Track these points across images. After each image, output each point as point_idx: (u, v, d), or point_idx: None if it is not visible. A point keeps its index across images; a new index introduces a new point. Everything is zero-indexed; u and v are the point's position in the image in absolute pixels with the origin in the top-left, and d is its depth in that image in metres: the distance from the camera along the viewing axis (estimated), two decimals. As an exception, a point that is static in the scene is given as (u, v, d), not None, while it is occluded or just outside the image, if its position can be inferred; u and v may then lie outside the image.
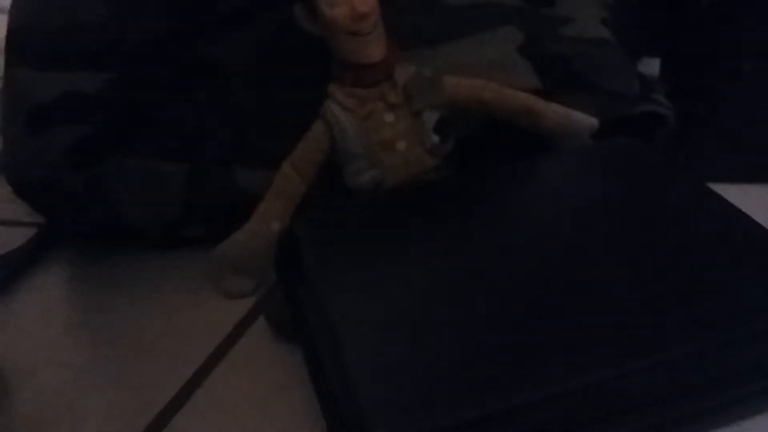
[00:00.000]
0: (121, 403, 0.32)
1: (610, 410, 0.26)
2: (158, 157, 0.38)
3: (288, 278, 0.34)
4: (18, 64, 0.37)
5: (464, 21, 0.39)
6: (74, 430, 0.31)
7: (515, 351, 0.26)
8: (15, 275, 0.40)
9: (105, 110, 0.37)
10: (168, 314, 0.37)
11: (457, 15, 0.39)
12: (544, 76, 0.39)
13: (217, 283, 0.38)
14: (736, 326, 0.27)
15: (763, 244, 0.30)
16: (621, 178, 0.35)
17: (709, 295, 0.27)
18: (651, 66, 0.48)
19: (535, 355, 0.26)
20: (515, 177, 0.36)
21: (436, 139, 0.37)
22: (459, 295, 0.29)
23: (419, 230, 0.33)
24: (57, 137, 0.37)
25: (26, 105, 0.37)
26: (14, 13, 0.38)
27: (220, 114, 0.38)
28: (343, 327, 0.29)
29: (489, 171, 0.36)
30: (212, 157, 0.38)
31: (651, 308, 0.27)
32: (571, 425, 0.26)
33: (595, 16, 0.41)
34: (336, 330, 0.29)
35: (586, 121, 0.38)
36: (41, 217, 0.41)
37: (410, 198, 0.35)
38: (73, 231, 0.42)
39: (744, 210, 0.32)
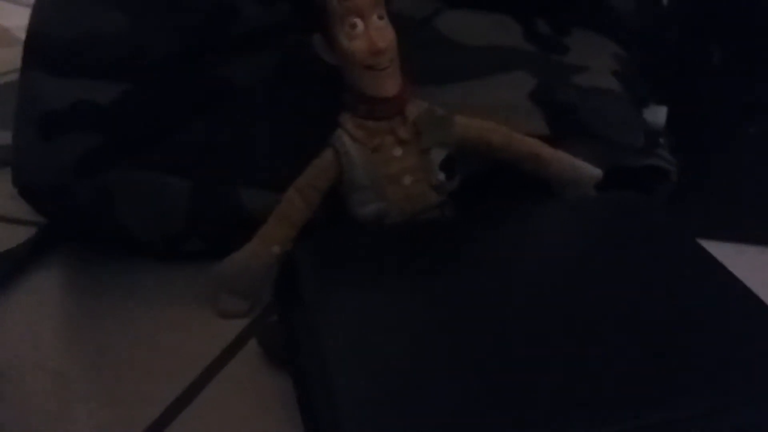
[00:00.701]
0: (108, 415, 0.32)
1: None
2: (165, 172, 0.38)
3: (284, 303, 0.34)
4: (35, 67, 0.38)
5: (478, 63, 0.40)
6: (60, 441, 0.31)
7: (498, 401, 0.27)
8: (11, 274, 0.40)
9: (117, 121, 0.37)
10: (162, 328, 0.37)
11: (472, 56, 0.40)
12: (553, 123, 0.39)
13: (213, 301, 0.38)
14: (710, 399, 0.27)
15: (751, 311, 0.30)
16: (618, 233, 0.35)
17: (688, 364, 0.28)
18: (658, 113, 0.49)
19: (516, 405, 0.26)
20: (515, 222, 0.36)
21: (442, 176, 0.37)
22: (452, 336, 0.29)
23: (418, 267, 0.33)
24: (68, 144, 0.37)
25: (40, 110, 0.37)
26: (36, 16, 0.38)
27: (230, 134, 0.39)
28: (334, 358, 0.29)
29: (491, 214, 0.37)
30: (219, 176, 0.39)
31: (629, 372, 0.27)
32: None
33: (606, 67, 0.42)
34: (327, 360, 0.29)
35: (590, 171, 0.39)
36: (42, 218, 0.41)
37: (412, 234, 0.36)
38: (73, 235, 0.42)
39: (738, 271, 0.32)
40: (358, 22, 0.34)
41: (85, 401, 0.33)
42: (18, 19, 0.39)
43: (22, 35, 0.38)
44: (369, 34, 0.34)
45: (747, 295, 0.31)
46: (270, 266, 0.36)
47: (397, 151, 0.36)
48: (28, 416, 0.32)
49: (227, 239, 0.37)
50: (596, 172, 0.39)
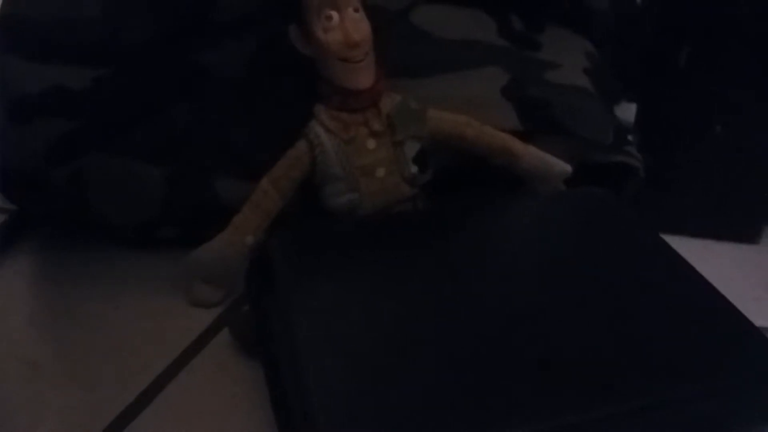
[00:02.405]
0: (79, 403, 0.32)
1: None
2: (140, 158, 0.38)
3: (256, 292, 0.35)
4: (8, 51, 0.37)
5: (452, 57, 0.40)
6: (31, 428, 0.31)
7: (469, 387, 0.27)
8: (-19, 261, 0.40)
9: (91, 107, 0.37)
10: (134, 316, 0.37)
11: (446, 50, 0.40)
12: (524, 118, 0.40)
13: (186, 289, 0.38)
14: (669, 389, 0.28)
15: (710, 304, 0.31)
16: (585, 228, 0.36)
17: (648, 355, 0.28)
18: (628, 111, 0.49)
19: (485, 401, 0.27)
20: (486, 216, 0.37)
21: (414, 169, 0.37)
22: (421, 324, 0.30)
23: (390, 259, 0.34)
24: (40, 129, 0.37)
25: (13, 94, 0.37)
26: (8, 1, 0.38)
27: (205, 121, 0.39)
28: (306, 347, 0.29)
29: (462, 207, 0.37)
30: (194, 163, 0.39)
31: (593, 363, 0.28)
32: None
33: (578, 65, 0.43)
34: (299, 350, 0.29)
35: (560, 166, 0.39)
36: (12, 204, 0.41)
37: (384, 226, 0.36)
38: (44, 221, 0.42)
39: (701, 265, 0.33)
40: (334, 14, 0.34)
41: (57, 388, 0.33)
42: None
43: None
44: (344, 26, 0.34)
45: (707, 288, 0.32)
46: (243, 256, 0.36)
47: (371, 143, 0.37)
48: (1, 403, 0.32)
49: (201, 227, 0.37)
50: (566, 167, 0.39)
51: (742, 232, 0.44)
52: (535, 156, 0.39)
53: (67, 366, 0.34)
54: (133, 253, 0.40)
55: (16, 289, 0.39)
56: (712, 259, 0.36)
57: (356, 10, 0.35)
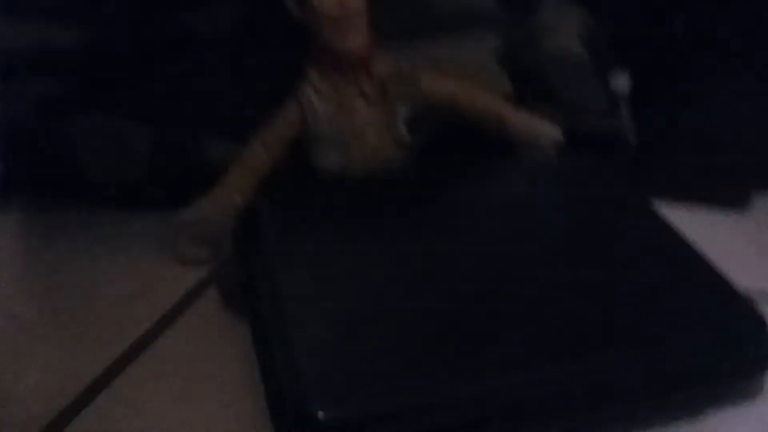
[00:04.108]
0: (66, 358, 0.32)
1: (541, 409, 0.27)
2: (127, 118, 0.38)
3: (243, 251, 0.35)
4: (-7, 6, 0.37)
5: (446, 21, 0.40)
6: (15, 382, 0.31)
7: (452, 345, 0.27)
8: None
9: (77, 65, 0.37)
10: (122, 274, 0.37)
11: (440, 14, 0.40)
12: (516, 83, 0.40)
13: (173, 248, 0.38)
14: (649, 337, 0.28)
15: (688, 262, 0.31)
16: (574, 192, 0.36)
17: (631, 308, 0.29)
18: (622, 79, 0.49)
19: (472, 351, 0.27)
20: (475, 180, 0.37)
21: (404, 131, 0.37)
22: (406, 286, 0.30)
23: (376, 220, 0.34)
24: (26, 87, 0.36)
25: (-3, 49, 0.37)
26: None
27: (193, 82, 0.38)
28: (290, 306, 0.29)
29: (452, 171, 0.37)
30: (181, 124, 0.38)
31: (577, 317, 0.28)
32: (504, 421, 0.27)
33: (572, 31, 0.42)
34: (284, 308, 0.29)
35: (550, 132, 0.39)
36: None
37: (371, 187, 0.36)
38: (30, 180, 0.42)
39: (691, 231, 0.33)
40: (326, -26, 0.34)
41: (42, 343, 0.33)
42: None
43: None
44: (338, -14, 0.34)
45: (692, 252, 0.32)
46: (232, 215, 0.36)
47: (361, 106, 0.36)
48: (-16, 357, 0.32)
49: (188, 187, 0.37)
50: (557, 132, 0.39)
51: (731, 199, 0.44)
52: (525, 121, 0.39)
53: (52, 322, 0.34)
54: (120, 213, 0.40)
55: (3, 247, 0.39)
56: (702, 225, 0.36)
57: (350, -31, 0.35)
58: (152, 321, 0.34)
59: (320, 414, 0.25)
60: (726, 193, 0.43)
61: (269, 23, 0.38)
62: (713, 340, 0.28)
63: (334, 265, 0.31)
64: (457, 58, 0.39)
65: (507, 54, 0.40)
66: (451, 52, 0.40)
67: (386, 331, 0.28)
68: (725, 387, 0.29)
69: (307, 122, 0.36)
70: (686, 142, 0.44)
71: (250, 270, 0.33)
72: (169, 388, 0.31)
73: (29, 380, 0.31)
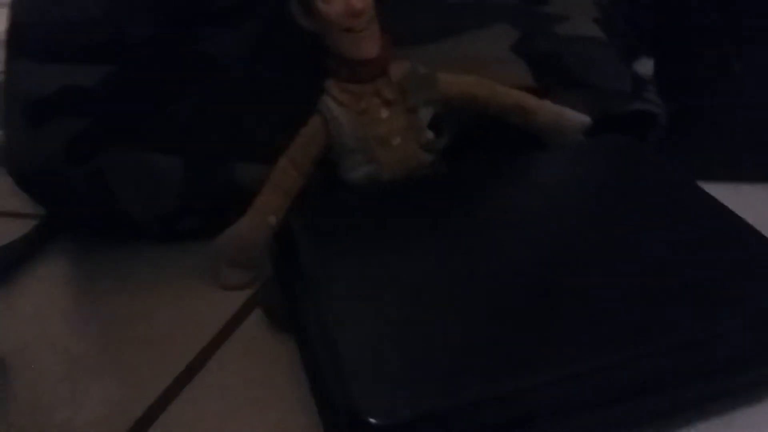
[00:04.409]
0: (118, 390, 0.33)
1: (597, 400, 0.27)
2: (155, 150, 0.38)
3: (283, 270, 0.35)
4: (18, 56, 0.38)
5: (459, 18, 0.40)
6: (72, 416, 0.32)
7: (505, 342, 0.27)
8: (16, 266, 0.41)
9: (103, 104, 0.38)
10: (165, 305, 0.37)
11: (452, 12, 0.40)
12: (538, 74, 0.39)
13: (213, 275, 0.38)
14: (715, 320, 0.27)
15: (747, 240, 0.30)
16: (612, 176, 0.35)
17: (692, 291, 0.28)
18: (646, 65, 0.48)
19: (524, 346, 0.27)
20: (508, 173, 0.37)
21: (430, 135, 0.37)
22: (451, 288, 0.30)
23: (413, 225, 0.34)
24: (56, 130, 0.37)
25: (26, 98, 0.37)
26: (15, 7, 0.38)
27: (217, 108, 0.39)
28: (336, 318, 0.29)
29: (482, 167, 0.37)
30: (209, 151, 0.39)
31: (636, 303, 0.28)
32: (558, 414, 0.26)
33: (588, 15, 0.42)
34: (329, 320, 0.29)
35: (578, 118, 0.39)
36: (42, 209, 0.42)
37: (405, 193, 0.36)
38: (73, 222, 0.43)
39: (733, 208, 0.32)
40: (334, -16, 0.34)
41: (95, 378, 0.33)
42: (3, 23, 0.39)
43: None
44: (345, -5, 0.34)
45: (741, 224, 0.31)
46: (267, 236, 0.36)
47: (384, 113, 0.36)
48: (40, 395, 0.33)
49: (222, 215, 0.38)
50: (584, 119, 0.39)
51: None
52: (550, 110, 0.38)
53: (103, 355, 0.35)
54: (158, 246, 0.41)
55: (52, 288, 0.39)
56: (745, 202, 0.35)
57: (356, -21, 0.35)
58: (200, 347, 0.34)
59: (373, 421, 0.25)
60: (765, 166, 0.42)
61: (286, 41, 0.38)
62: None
63: (374, 273, 0.31)
64: (475, 55, 0.39)
65: (524, 45, 0.40)
66: (468, 49, 0.39)
67: (434, 333, 0.28)
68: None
69: (332, 135, 0.36)
70: (719, 117, 0.43)
71: (292, 288, 0.34)
72: (220, 411, 0.31)
73: (85, 414, 0.32)
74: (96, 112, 0.38)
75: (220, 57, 0.39)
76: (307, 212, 0.35)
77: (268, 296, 0.36)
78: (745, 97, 0.42)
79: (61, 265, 0.41)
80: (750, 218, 0.32)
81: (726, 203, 0.33)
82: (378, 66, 0.36)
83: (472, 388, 0.26)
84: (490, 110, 0.38)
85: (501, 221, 0.33)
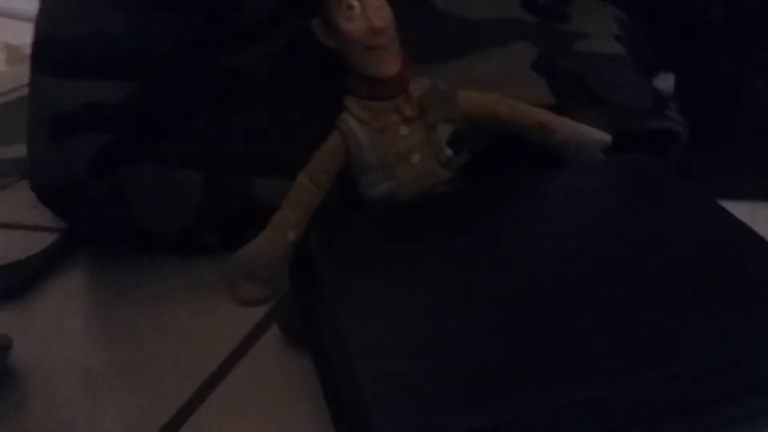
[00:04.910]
0: (136, 406, 0.33)
1: (614, 423, 0.26)
2: (176, 165, 0.39)
3: (301, 286, 0.35)
4: (42, 72, 0.38)
5: (479, 36, 0.40)
6: (89, 430, 0.32)
7: (522, 362, 0.27)
8: (36, 279, 0.41)
9: (126, 119, 0.38)
10: (183, 320, 0.37)
11: (472, 30, 0.40)
12: (558, 92, 0.39)
13: (231, 290, 0.38)
14: (736, 343, 0.27)
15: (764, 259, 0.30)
16: (632, 194, 0.35)
17: (713, 312, 0.28)
18: (666, 81, 0.48)
19: (541, 367, 0.26)
20: (527, 191, 0.36)
21: (450, 152, 0.37)
22: (469, 306, 0.30)
23: (431, 242, 0.33)
24: (80, 145, 0.38)
25: (50, 113, 0.38)
26: (40, 22, 0.39)
27: (238, 124, 0.39)
28: (352, 335, 0.29)
29: (501, 185, 0.37)
30: (229, 166, 0.39)
31: (655, 324, 0.27)
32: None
33: (608, 33, 0.42)
34: (346, 338, 0.29)
35: (598, 136, 0.38)
36: (63, 222, 0.42)
37: (423, 210, 0.36)
38: (93, 236, 0.43)
39: (754, 227, 0.32)
40: (355, 3, 0.34)
41: (113, 392, 0.33)
42: (28, 38, 0.40)
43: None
44: (366, 14, 0.34)
45: (762, 244, 0.30)
46: (286, 252, 0.36)
47: (404, 130, 0.36)
48: (58, 409, 0.33)
49: (242, 229, 0.38)
50: (604, 136, 0.38)
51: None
52: (570, 128, 0.38)
53: (122, 371, 0.35)
54: (178, 260, 0.41)
55: (71, 302, 0.40)
56: (760, 219, 0.34)
57: (377, -3, 0.35)
58: (217, 364, 0.34)
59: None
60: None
61: (307, 59, 0.39)
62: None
63: (392, 290, 0.31)
64: (495, 73, 0.39)
65: (545, 63, 0.40)
66: (488, 67, 0.39)
67: (451, 352, 0.28)
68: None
69: (351, 152, 0.36)
70: (740, 135, 0.42)
71: (309, 304, 0.34)
72: (237, 427, 0.31)
73: (103, 428, 0.32)
74: (119, 127, 0.38)
75: (243, 72, 0.39)
76: (326, 229, 0.35)
77: (285, 313, 0.36)
78: (765, 116, 0.42)
79: (80, 278, 0.41)
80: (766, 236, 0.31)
81: (746, 222, 0.32)
82: (398, 84, 0.36)
83: (487, 410, 0.25)
84: (509, 128, 0.38)
85: (518, 239, 0.33)
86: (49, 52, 0.38)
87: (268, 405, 0.32)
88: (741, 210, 0.34)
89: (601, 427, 0.26)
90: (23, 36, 0.45)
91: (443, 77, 0.38)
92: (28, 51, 0.39)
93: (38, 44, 0.39)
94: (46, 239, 0.43)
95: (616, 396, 0.26)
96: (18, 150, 0.45)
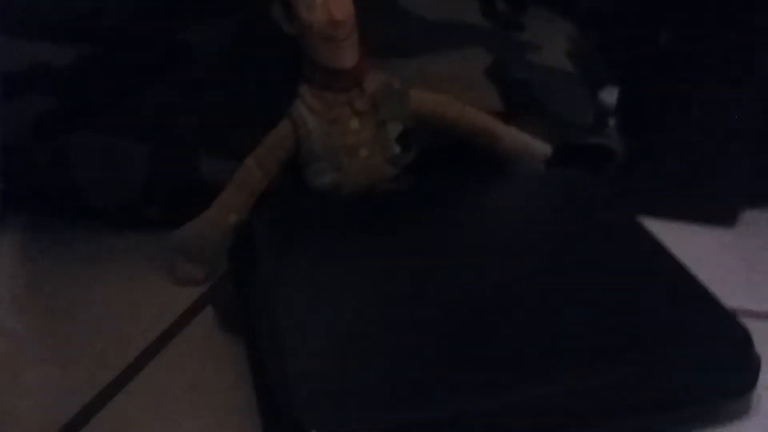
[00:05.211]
0: (63, 378, 0.32)
1: (536, 427, 0.28)
2: (123, 136, 0.38)
3: (239, 270, 0.35)
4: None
5: (436, 36, 0.40)
6: (13, 402, 0.31)
7: (446, 363, 0.28)
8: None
9: (73, 84, 0.37)
10: (117, 294, 0.37)
11: (430, 30, 0.41)
12: (506, 99, 0.40)
13: (169, 268, 0.38)
14: (634, 359, 0.28)
15: (675, 279, 0.32)
16: (561, 209, 0.37)
17: (616, 326, 0.29)
18: (611, 94, 0.50)
19: (463, 369, 0.28)
20: (466, 196, 0.38)
21: (397, 149, 0.38)
22: (402, 304, 0.31)
23: (371, 238, 0.34)
24: (24, 106, 0.37)
25: (-3, 71, 0.37)
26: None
27: (189, 100, 0.39)
28: (286, 324, 0.30)
29: (443, 187, 0.38)
30: (177, 142, 0.39)
31: (560, 335, 0.29)
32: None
33: (560, 47, 0.43)
34: (279, 326, 0.30)
35: (540, 148, 0.40)
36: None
37: (365, 205, 0.37)
38: (32, 201, 0.42)
39: (678, 248, 0.34)
40: (317, -8, 0.34)
41: (39, 364, 0.33)
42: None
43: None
44: (327, 5, 0.34)
45: (678, 269, 0.32)
46: (227, 234, 0.37)
47: (354, 123, 0.37)
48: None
49: (185, 206, 0.38)
50: (546, 148, 0.40)
51: (718, 215, 0.44)
52: (515, 137, 0.39)
53: (50, 341, 0.34)
54: (117, 232, 0.40)
55: (2, 265, 0.39)
56: (689, 242, 0.37)
57: (339, -10, 0.35)
58: (148, 341, 0.34)
59: (315, 432, 0.25)
60: (713, 209, 0.44)
61: (264, 40, 0.38)
62: (699, 360, 0.28)
63: (329, 282, 0.32)
64: (448, 75, 0.40)
65: (497, 70, 0.41)
66: (442, 68, 0.40)
67: (382, 349, 0.29)
68: (711, 407, 0.29)
69: (301, 140, 0.37)
70: (673, 156, 0.44)
71: (246, 289, 0.34)
72: (163, 407, 0.31)
73: (26, 400, 0.31)
74: (65, 92, 0.37)
75: (197, 49, 0.38)
76: (269, 215, 0.36)
77: (220, 295, 0.37)
78: (697, 142, 0.44)
79: (14, 242, 0.40)
80: (691, 258, 0.33)
81: (671, 241, 0.34)
82: (353, 77, 0.37)
83: (415, 408, 0.26)
84: (457, 130, 0.39)
85: (451, 242, 0.34)
86: (3, 9, 0.37)
87: (196, 387, 0.32)
88: (668, 228, 0.36)
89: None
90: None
91: (398, 74, 0.38)
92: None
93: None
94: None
95: (518, 403, 0.27)
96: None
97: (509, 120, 0.40)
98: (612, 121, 0.44)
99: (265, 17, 0.36)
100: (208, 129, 0.39)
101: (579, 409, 0.28)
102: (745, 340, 0.29)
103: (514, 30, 0.42)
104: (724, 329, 0.29)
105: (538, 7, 0.44)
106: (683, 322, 0.30)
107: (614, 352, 0.28)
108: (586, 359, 0.28)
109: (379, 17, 0.39)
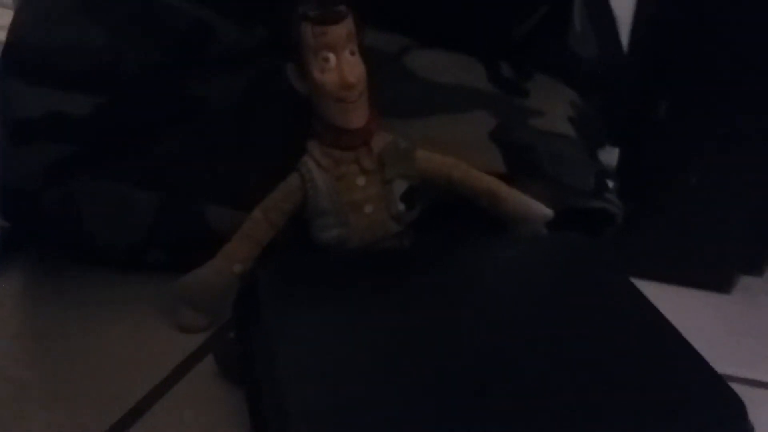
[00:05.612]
0: (63, 423, 0.33)
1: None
2: (132, 184, 0.39)
3: (242, 321, 0.35)
4: (12, 74, 0.38)
5: (443, 100, 0.42)
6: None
7: (446, 419, 0.28)
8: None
9: (89, 134, 0.38)
10: (120, 339, 0.37)
11: (437, 93, 0.42)
12: (509, 162, 0.41)
13: (172, 314, 0.38)
14: (627, 424, 0.29)
15: (669, 345, 0.32)
16: (559, 271, 0.37)
17: (608, 391, 0.30)
18: (611, 154, 0.51)
19: (462, 425, 0.28)
20: (468, 255, 0.38)
21: (402, 207, 0.39)
22: (403, 361, 0.31)
23: (373, 294, 0.35)
24: (38, 151, 0.38)
25: (13, 116, 0.38)
26: (15, 27, 0.39)
27: (199, 150, 0.40)
28: (287, 379, 0.30)
29: (445, 246, 0.39)
30: (185, 190, 0.40)
31: (552, 399, 0.29)
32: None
33: (563, 113, 0.44)
34: (281, 381, 0.30)
35: (541, 210, 0.41)
36: (7, 221, 0.42)
37: (368, 262, 0.37)
38: (34, 240, 0.43)
39: (673, 312, 0.34)
40: (331, 56, 0.36)
41: (41, 408, 0.33)
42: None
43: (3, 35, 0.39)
44: (341, 68, 0.36)
45: (672, 334, 0.33)
46: (231, 284, 0.37)
47: (361, 180, 0.38)
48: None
49: (190, 253, 0.38)
50: (547, 211, 0.41)
51: (714, 281, 0.45)
52: (518, 200, 0.40)
53: (52, 386, 0.34)
54: (121, 276, 0.41)
55: (5, 309, 0.39)
56: (684, 306, 0.37)
57: (352, 53, 0.36)
58: (149, 387, 0.35)
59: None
60: (709, 275, 0.45)
61: (275, 96, 0.40)
62: (692, 428, 0.29)
63: (332, 337, 0.32)
64: (453, 137, 0.41)
65: (501, 134, 0.42)
66: (448, 130, 0.41)
67: (385, 405, 0.29)
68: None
69: (308, 195, 0.38)
70: (671, 221, 0.45)
71: (249, 340, 0.34)
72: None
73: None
74: (80, 140, 0.38)
75: (209, 101, 0.40)
76: (274, 268, 0.36)
77: (222, 345, 0.37)
78: (695, 208, 0.45)
79: (18, 283, 0.41)
80: (686, 323, 0.33)
81: (663, 304, 0.34)
82: (362, 136, 0.38)
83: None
84: (462, 191, 0.40)
85: (451, 300, 0.35)
86: (21, 56, 0.38)
87: (194, 435, 0.33)
88: (664, 293, 0.36)
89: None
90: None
91: (404, 134, 0.39)
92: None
93: (11, 45, 0.38)
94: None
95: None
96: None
97: (512, 182, 0.41)
98: (612, 183, 0.45)
99: (278, 75, 0.38)
100: (216, 179, 0.40)
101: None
102: (738, 408, 0.29)
103: (518, 95, 0.44)
104: (718, 397, 0.30)
105: (544, 73, 0.45)
106: (677, 389, 0.30)
107: (607, 417, 0.29)
108: (577, 423, 0.28)
109: (388, 79, 0.40)
